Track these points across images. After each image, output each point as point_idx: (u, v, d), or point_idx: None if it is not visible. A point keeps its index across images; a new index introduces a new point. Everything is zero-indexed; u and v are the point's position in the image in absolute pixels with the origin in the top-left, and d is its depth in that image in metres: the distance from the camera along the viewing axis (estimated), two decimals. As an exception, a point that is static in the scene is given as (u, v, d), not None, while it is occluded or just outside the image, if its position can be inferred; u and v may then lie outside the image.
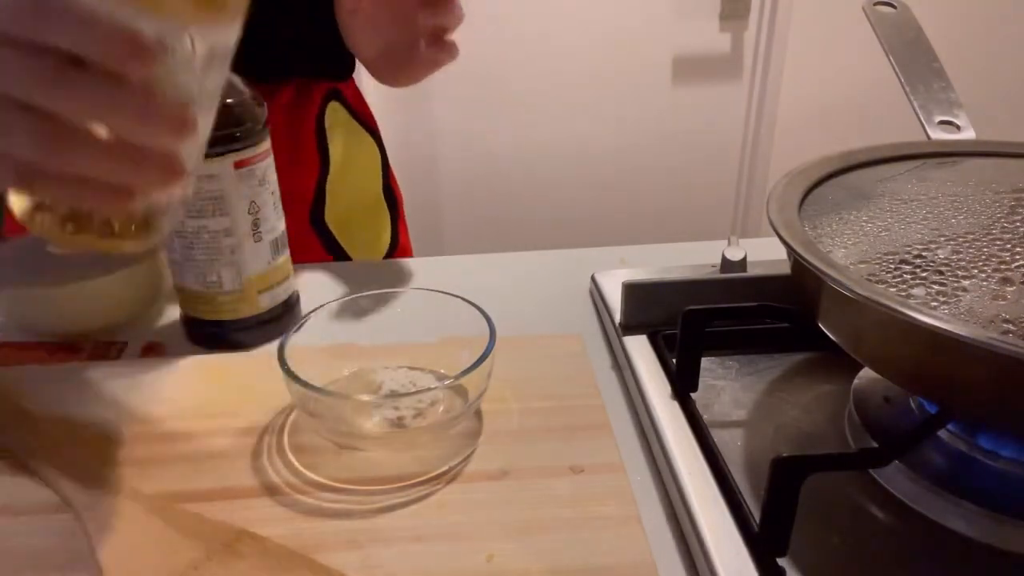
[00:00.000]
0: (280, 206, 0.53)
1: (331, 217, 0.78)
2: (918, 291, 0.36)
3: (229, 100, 0.49)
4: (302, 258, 0.69)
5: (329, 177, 0.77)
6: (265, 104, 0.51)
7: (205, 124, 0.34)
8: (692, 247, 0.68)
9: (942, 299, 0.35)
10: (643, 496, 0.41)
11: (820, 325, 0.40)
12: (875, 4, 0.57)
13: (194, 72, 0.32)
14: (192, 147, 0.34)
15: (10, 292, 0.52)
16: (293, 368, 0.42)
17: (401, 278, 0.65)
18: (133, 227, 0.34)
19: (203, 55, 0.32)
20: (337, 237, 0.78)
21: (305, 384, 0.41)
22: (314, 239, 0.77)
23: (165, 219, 0.36)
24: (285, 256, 0.55)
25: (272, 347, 0.43)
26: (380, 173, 0.83)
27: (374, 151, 0.82)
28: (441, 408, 0.45)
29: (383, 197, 0.84)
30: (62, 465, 0.41)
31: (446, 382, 0.45)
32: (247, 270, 0.52)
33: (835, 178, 0.48)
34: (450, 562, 0.36)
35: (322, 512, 0.39)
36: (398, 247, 0.85)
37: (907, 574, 0.35)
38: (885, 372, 0.39)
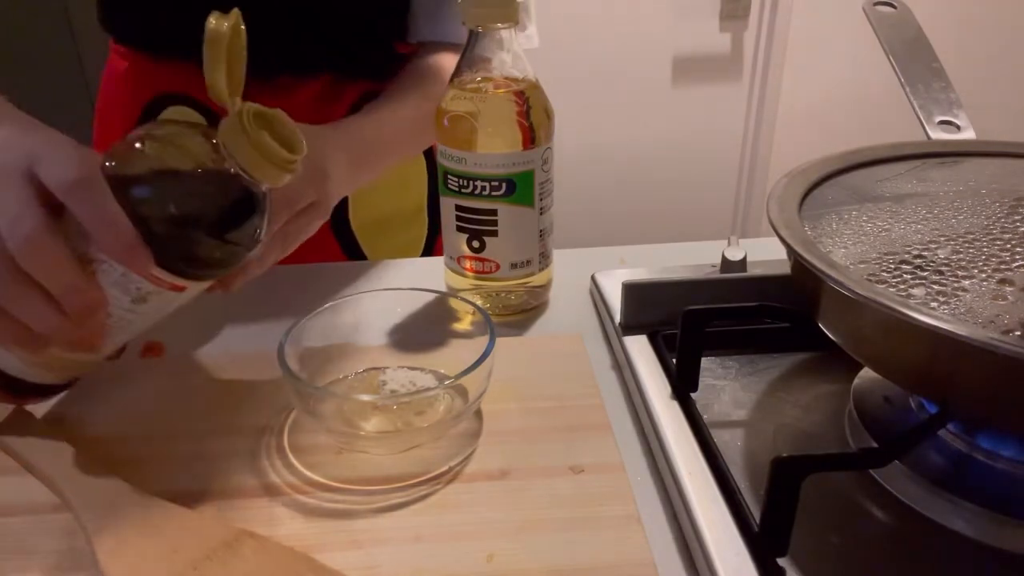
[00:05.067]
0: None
1: (357, 221, 0.77)
2: (918, 291, 0.36)
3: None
4: (317, 258, 0.69)
5: None
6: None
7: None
8: (692, 247, 0.68)
9: (942, 299, 0.35)
10: (643, 496, 0.41)
11: (820, 325, 0.40)
12: (875, 4, 0.57)
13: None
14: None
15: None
16: (293, 368, 0.42)
17: (401, 278, 0.65)
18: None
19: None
20: (360, 242, 0.77)
21: (305, 384, 0.41)
22: (332, 240, 0.76)
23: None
24: None
25: (272, 347, 0.43)
26: (425, 185, 0.81)
27: (419, 161, 0.80)
28: (441, 408, 0.45)
29: (425, 209, 0.82)
30: (62, 465, 0.41)
31: (446, 382, 0.45)
32: None
33: (835, 178, 0.48)
34: (450, 562, 0.36)
35: (322, 512, 0.39)
36: None
37: (907, 574, 0.35)
38: (885, 372, 0.39)
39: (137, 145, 0.40)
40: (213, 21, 0.38)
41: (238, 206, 0.41)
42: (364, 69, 0.72)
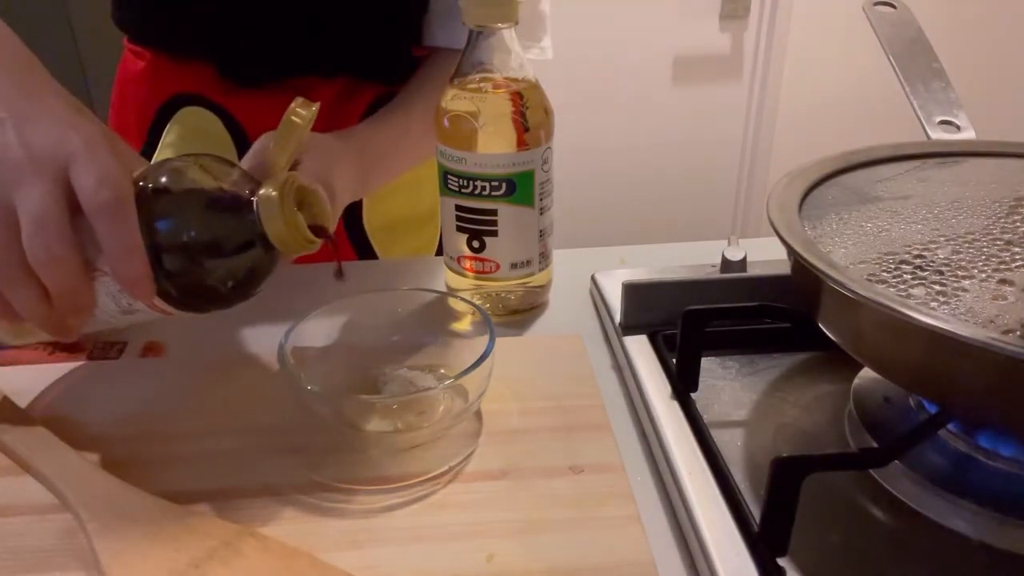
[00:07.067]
0: None
1: (370, 224, 0.77)
2: (918, 291, 0.36)
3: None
4: (329, 257, 0.69)
5: None
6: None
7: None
8: (692, 247, 0.68)
9: (942, 299, 0.35)
10: (643, 496, 0.41)
11: (820, 325, 0.40)
12: (875, 4, 0.57)
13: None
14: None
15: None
16: (293, 368, 0.42)
17: (401, 278, 0.65)
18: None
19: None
20: (374, 244, 0.77)
21: (305, 384, 0.41)
22: (346, 242, 0.76)
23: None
24: None
25: (272, 347, 0.43)
26: (438, 187, 0.81)
27: (432, 164, 0.80)
28: (441, 408, 0.45)
29: (439, 212, 0.82)
30: (62, 465, 0.41)
31: (446, 382, 0.45)
32: None
33: (835, 178, 0.48)
34: (450, 562, 0.36)
35: (322, 512, 0.39)
36: None
37: (907, 574, 0.35)
38: (885, 372, 0.39)
39: (175, 177, 0.40)
40: (295, 109, 0.41)
41: (252, 264, 0.42)
42: (379, 72, 0.72)
